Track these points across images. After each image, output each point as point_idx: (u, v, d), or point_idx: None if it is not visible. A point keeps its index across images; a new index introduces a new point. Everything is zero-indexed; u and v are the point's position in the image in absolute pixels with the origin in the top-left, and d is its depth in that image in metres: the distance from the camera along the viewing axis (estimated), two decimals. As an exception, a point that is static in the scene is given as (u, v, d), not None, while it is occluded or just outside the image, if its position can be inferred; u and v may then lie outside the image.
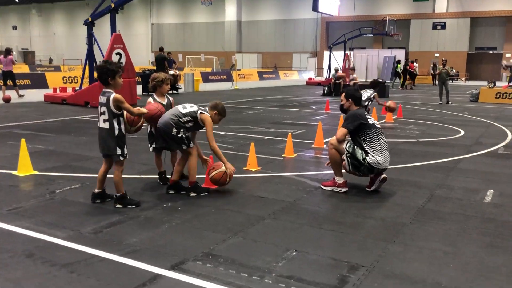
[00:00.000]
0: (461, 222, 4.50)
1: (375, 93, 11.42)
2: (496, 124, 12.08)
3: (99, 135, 4.69)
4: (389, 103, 11.88)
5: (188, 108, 5.12)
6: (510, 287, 3.20)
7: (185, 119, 5.04)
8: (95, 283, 3.11)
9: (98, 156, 7.12)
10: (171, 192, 5.24)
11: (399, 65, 29.67)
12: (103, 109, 4.58)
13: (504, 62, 29.52)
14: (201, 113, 5.10)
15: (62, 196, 5.11)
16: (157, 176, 5.69)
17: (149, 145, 5.56)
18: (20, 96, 16.88)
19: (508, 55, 41.19)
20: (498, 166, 7.06)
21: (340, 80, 21.48)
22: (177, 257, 3.55)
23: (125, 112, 4.69)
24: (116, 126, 4.58)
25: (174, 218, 4.44)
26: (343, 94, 5.62)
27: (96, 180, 4.85)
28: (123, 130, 4.65)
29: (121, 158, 4.66)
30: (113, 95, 4.53)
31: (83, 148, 7.86)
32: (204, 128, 5.12)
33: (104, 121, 4.59)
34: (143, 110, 4.81)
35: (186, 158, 5.23)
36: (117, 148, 4.60)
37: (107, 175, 4.82)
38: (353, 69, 23.14)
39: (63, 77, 23.33)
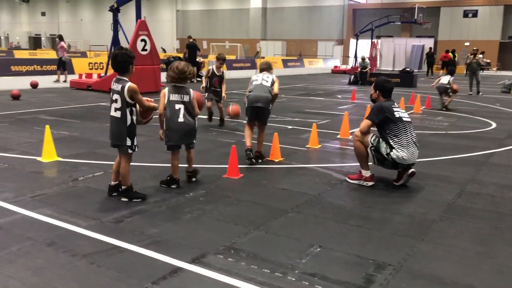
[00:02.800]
0: (493, 220, 4.29)
1: (452, 78, 12.46)
2: (529, 116, 11.62)
3: (110, 124, 4.55)
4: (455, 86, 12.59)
5: (267, 80, 5.80)
6: (548, 293, 3.02)
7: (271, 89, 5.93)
8: (115, 275, 3.06)
9: (121, 143, 7.13)
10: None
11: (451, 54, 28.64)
12: (116, 96, 4.40)
13: None
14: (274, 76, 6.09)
15: (85, 183, 5.10)
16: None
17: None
18: (63, 81, 17.81)
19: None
20: (533, 161, 6.76)
21: (366, 69, 21.10)
22: (198, 249, 3.48)
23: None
24: (128, 116, 4.42)
25: (196, 209, 4.37)
26: (373, 85, 5.44)
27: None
28: (135, 121, 4.49)
29: (129, 151, 4.51)
30: (129, 84, 4.37)
31: (107, 135, 7.81)
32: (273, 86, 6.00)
33: (116, 109, 4.42)
34: (154, 104, 4.65)
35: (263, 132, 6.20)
36: (127, 139, 4.46)
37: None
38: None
39: (89, 63, 23.55)
